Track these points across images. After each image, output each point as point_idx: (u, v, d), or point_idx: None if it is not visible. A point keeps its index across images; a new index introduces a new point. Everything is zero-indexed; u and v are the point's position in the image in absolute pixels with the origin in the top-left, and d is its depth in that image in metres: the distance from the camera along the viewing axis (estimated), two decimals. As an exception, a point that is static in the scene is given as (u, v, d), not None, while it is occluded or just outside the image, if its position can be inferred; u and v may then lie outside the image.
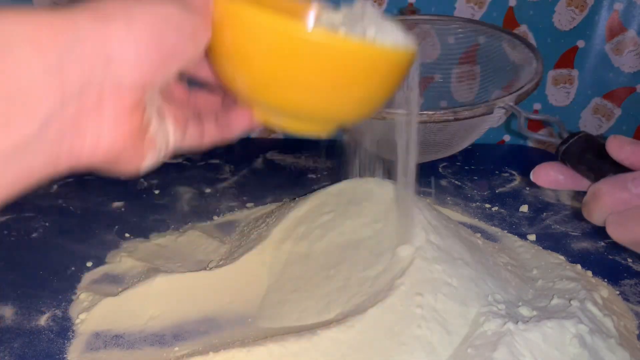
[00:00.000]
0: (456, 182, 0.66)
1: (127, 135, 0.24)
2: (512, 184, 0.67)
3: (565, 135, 0.33)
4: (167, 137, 0.27)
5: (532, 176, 0.33)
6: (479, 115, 0.41)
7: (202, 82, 0.31)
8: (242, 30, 0.25)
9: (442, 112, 0.40)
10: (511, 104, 0.41)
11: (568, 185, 0.33)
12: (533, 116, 0.38)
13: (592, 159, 0.30)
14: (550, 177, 0.33)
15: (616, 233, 0.28)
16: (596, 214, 0.29)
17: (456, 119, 0.40)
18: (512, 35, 0.53)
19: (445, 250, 0.42)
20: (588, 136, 0.32)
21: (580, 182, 0.32)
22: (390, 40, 0.27)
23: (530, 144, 0.80)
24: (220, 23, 0.26)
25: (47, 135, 0.21)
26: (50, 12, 0.21)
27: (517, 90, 0.43)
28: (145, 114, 0.25)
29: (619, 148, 0.29)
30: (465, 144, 0.51)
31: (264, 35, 0.25)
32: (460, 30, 0.57)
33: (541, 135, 0.36)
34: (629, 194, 0.27)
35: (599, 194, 0.28)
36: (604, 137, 0.30)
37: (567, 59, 0.71)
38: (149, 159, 0.26)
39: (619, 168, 0.29)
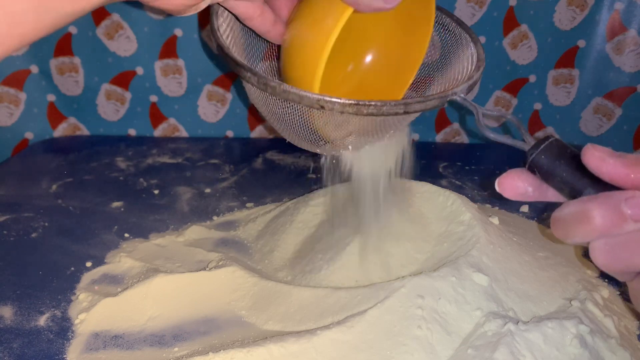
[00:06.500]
0: (456, 182, 0.66)
1: None
2: (513, 184, 0.67)
3: (528, 137, 0.30)
4: None
5: (498, 187, 0.29)
6: (430, 108, 0.35)
7: None
8: None
9: (393, 104, 0.34)
10: (463, 95, 0.36)
11: (536, 197, 0.29)
12: (488, 111, 0.34)
13: (567, 170, 0.27)
14: (519, 189, 0.29)
15: (604, 260, 0.25)
16: (579, 237, 0.25)
17: (406, 112, 0.34)
18: (442, 11, 0.43)
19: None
20: (560, 143, 0.28)
21: (547, 193, 0.29)
22: None
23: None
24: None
25: None
26: None
27: (468, 80, 0.37)
28: None
29: (600, 161, 0.24)
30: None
31: None
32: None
33: (502, 137, 0.31)
34: (623, 217, 0.23)
35: (588, 216, 0.24)
36: (574, 145, 0.27)
37: (568, 59, 0.71)
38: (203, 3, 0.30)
39: (599, 183, 0.25)
